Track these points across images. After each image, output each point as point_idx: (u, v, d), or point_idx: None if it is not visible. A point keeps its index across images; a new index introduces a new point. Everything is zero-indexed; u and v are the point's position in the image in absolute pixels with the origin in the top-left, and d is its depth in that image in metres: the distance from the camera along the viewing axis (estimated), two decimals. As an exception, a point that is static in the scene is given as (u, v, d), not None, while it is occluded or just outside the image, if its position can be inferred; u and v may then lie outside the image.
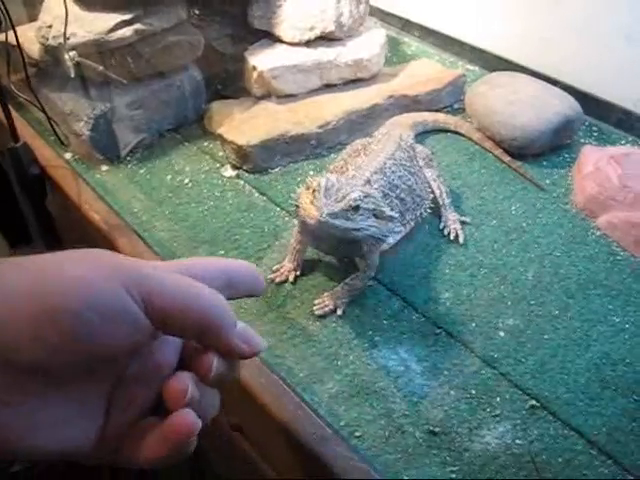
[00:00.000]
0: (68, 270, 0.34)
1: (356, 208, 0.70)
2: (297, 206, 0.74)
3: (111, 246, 0.89)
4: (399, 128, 0.99)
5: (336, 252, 0.84)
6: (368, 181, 0.80)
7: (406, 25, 1.41)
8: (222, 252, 0.89)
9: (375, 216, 0.73)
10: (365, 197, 0.72)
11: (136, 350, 0.37)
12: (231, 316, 0.38)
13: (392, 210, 0.79)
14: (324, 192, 0.70)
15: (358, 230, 0.72)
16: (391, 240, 0.84)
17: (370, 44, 1.14)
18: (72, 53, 1.00)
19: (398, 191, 0.84)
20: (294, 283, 0.84)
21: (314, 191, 0.70)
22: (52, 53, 1.05)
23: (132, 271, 0.35)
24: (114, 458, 0.39)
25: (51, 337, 0.32)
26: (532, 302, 0.80)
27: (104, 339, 0.34)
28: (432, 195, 0.92)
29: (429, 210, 0.91)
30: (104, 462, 0.39)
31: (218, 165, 1.06)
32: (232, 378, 0.40)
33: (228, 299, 0.39)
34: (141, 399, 0.39)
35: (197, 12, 1.16)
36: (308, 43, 1.13)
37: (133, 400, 0.38)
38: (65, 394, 0.35)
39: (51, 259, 0.35)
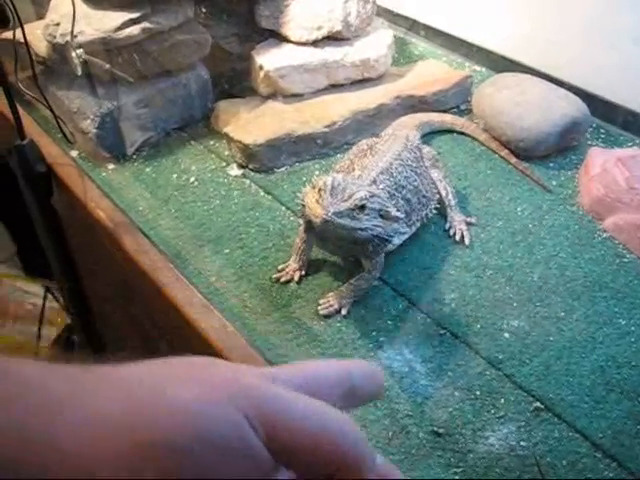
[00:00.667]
0: (170, 392, 0.28)
1: (362, 207, 0.70)
2: (303, 205, 0.74)
3: (117, 244, 0.90)
4: (405, 128, 0.99)
5: (341, 252, 0.83)
6: (374, 181, 0.80)
7: (413, 26, 1.40)
8: (227, 251, 0.89)
9: (381, 216, 0.73)
10: (371, 197, 0.72)
11: None
12: (371, 451, 0.31)
13: (398, 211, 0.79)
14: (330, 191, 0.70)
15: (364, 230, 0.71)
16: (397, 241, 0.84)
17: (377, 44, 1.14)
18: (79, 51, 1.00)
19: (404, 192, 0.84)
20: (299, 283, 0.84)
21: (320, 190, 0.70)
22: (59, 51, 1.05)
23: (252, 392, 0.29)
24: None
25: (146, 477, 0.26)
26: (537, 304, 0.80)
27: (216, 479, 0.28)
28: (438, 196, 0.92)
29: (435, 211, 0.91)
30: None
31: (224, 164, 1.06)
32: None
33: (351, 406, 0.34)
34: None
35: (204, 11, 1.16)
36: (315, 43, 1.12)
37: None
38: None
39: (148, 376, 0.29)
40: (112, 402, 0.27)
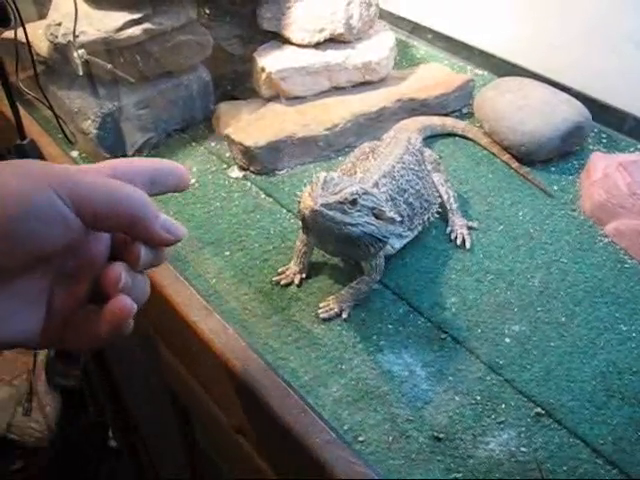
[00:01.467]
0: (2, 182, 0.38)
1: (353, 202, 0.70)
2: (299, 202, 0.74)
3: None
4: (407, 132, 0.99)
5: (340, 253, 0.83)
6: (376, 184, 0.80)
7: (415, 29, 1.40)
8: (227, 253, 0.88)
9: (375, 215, 0.73)
10: (364, 194, 0.71)
11: (70, 247, 0.41)
12: (153, 210, 0.42)
13: (398, 213, 0.79)
14: (322, 184, 0.70)
15: (354, 225, 0.71)
16: (397, 245, 0.84)
17: (379, 47, 1.14)
18: (81, 51, 1.00)
19: (406, 195, 0.84)
20: (299, 286, 0.83)
21: (313, 184, 0.70)
22: (61, 51, 1.04)
23: (62, 177, 0.39)
24: (61, 343, 0.44)
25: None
26: (539, 309, 0.80)
27: (39, 240, 0.39)
28: (440, 200, 0.91)
29: (437, 215, 0.90)
30: (53, 346, 0.46)
31: (225, 166, 1.06)
32: (158, 264, 0.46)
33: (155, 194, 0.45)
34: (78, 290, 0.44)
35: (206, 12, 1.16)
36: (317, 45, 1.12)
37: (71, 292, 0.44)
38: (8, 292, 0.40)
39: None
40: None
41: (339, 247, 0.78)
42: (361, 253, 0.77)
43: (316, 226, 0.71)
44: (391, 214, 0.75)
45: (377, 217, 0.73)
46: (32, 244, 0.38)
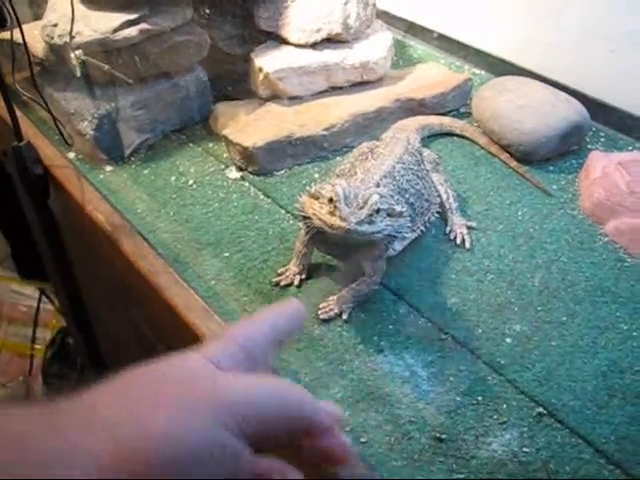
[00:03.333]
0: (146, 423, 0.33)
1: (377, 211, 0.70)
2: (304, 217, 0.73)
3: (115, 247, 0.89)
4: (405, 131, 0.98)
5: (346, 256, 0.83)
6: (377, 185, 0.79)
7: (412, 28, 1.40)
8: (227, 254, 0.88)
9: (389, 215, 0.73)
10: (381, 198, 0.72)
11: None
12: (315, 404, 0.39)
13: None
14: (344, 200, 0.69)
15: (379, 232, 0.71)
16: (399, 247, 0.83)
17: (377, 47, 1.14)
18: (78, 52, 0.99)
19: (407, 195, 0.83)
20: (299, 287, 0.83)
21: (332, 200, 0.69)
22: (57, 52, 1.04)
23: (223, 398, 0.36)
24: None
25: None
26: (539, 308, 0.79)
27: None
28: (439, 199, 0.91)
29: (437, 214, 0.90)
30: None
31: (223, 167, 1.05)
32: None
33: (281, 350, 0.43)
34: None
35: (203, 13, 1.15)
36: (314, 45, 1.12)
37: None
38: None
39: (123, 410, 0.34)
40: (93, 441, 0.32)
41: (350, 252, 0.78)
42: (371, 255, 0.77)
43: (347, 241, 0.72)
44: (399, 207, 0.75)
45: (390, 215, 0.74)
46: None
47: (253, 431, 0.35)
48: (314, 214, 0.71)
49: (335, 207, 0.69)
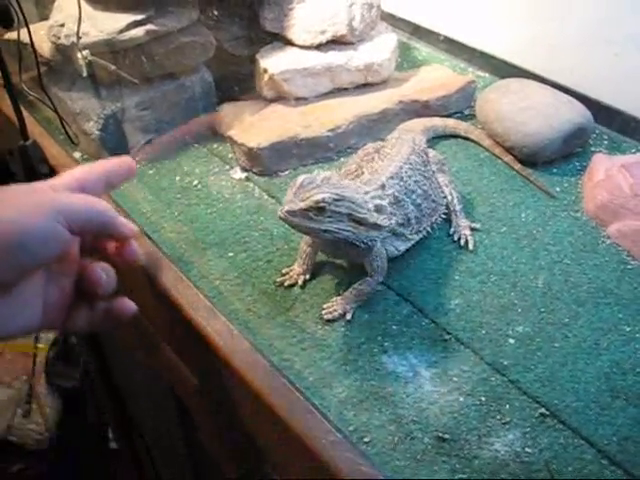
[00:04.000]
0: (16, 216, 0.48)
1: (320, 209, 0.70)
2: None
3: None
4: (411, 132, 0.99)
5: (336, 254, 0.83)
6: (383, 185, 0.80)
7: (417, 31, 1.40)
8: (231, 254, 0.88)
9: (354, 220, 0.73)
10: (337, 200, 0.71)
11: (61, 254, 0.52)
12: (116, 215, 0.54)
13: (405, 216, 0.79)
14: (295, 189, 0.71)
15: (326, 232, 0.72)
16: (402, 247, 0.84)
17: (381, 49, 1.14)
18: (85, 52, 1.00)
19: (414, 196, 0.84)
20: (303, 287, 0.83)
21: (291, 187, 0.71)
22: (64, 52, 1.05)
23: (57, 202, 0.50)
24: (62, 328, 0.56)
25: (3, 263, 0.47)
26: (542, 310, 0.80)
27: (41, 256, 0.49)
28: (445, 201, 0.91)
29: (444, 216, 0.90)
30: (56, 329, 0.57)
31: (227, 167, 1.06)
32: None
33: (114, 189, 0.60)
34: (66, 285, 0.55)
35: (209, 14, 1.16)
36: (319, 46, 1.12)
37: (61, 288, 0.55)
38: (9, 297, 0.50)
39: None
40: None
41: (330, 248, 0.79)
42: (354, 254, 0.77)
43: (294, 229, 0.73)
44: (380, 220, 0.75)
45: (358, 222, 0.73)
46: (34, 261, 0.49)
47: (77, 227, 0.50)
48: None
49: (287, 193, 0.70)
